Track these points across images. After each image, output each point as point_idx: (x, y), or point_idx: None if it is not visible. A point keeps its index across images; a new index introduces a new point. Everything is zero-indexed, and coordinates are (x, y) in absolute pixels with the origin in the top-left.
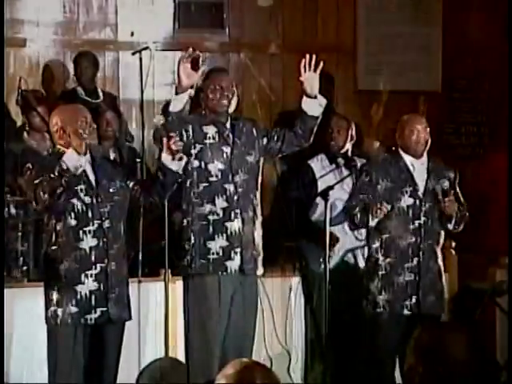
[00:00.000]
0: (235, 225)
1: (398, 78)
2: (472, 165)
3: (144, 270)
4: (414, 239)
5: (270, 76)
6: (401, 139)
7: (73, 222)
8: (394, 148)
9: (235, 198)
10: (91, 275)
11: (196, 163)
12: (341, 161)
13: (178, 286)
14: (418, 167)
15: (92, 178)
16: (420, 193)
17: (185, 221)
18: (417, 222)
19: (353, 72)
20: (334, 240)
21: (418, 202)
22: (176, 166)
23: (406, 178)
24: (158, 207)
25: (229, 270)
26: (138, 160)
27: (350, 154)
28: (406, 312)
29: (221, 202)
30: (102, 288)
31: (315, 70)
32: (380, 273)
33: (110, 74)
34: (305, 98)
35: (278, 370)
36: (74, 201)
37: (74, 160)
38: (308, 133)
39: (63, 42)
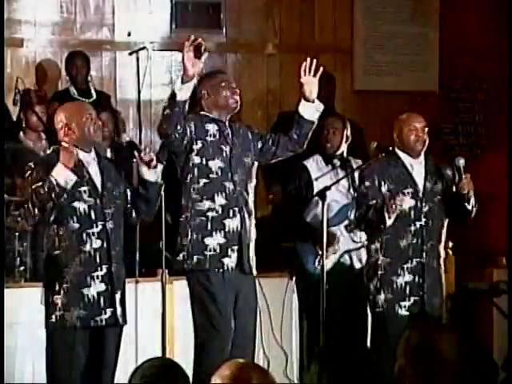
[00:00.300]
0: (233, 223)
1: (396, 78)
2: (469, 165)
3: (141, 271)
4: (415, 240)
5: (267, 76)
6: (399, 138)
7: (76, 226)
8: (391, 148)
9: (234, 196)
10: (97, 277)
11: (197, 159)
12: (337, 162)
13: (175, 287)
14: (417, 167)
15: (97, 178)
16: (420, 193)
17: (183, 216)
18: (418, 223)
19: (350, 72)
20: (333, 239)
21: (418, 202)
22: (153, 176)
23: (405, 178)
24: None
25: (225, 267)
26: (135, 160)
27: (345, 154)
28: (403, 312)
29: (220, 200)
30: (109, 289)
31: (315, 75)
32: (379, 273)
33: (107, 74)
34: (303, 101)
35: (275, 370)
36: (76, 204)
37: (65, 175)
38: (303, 138)
39: (60, 42)
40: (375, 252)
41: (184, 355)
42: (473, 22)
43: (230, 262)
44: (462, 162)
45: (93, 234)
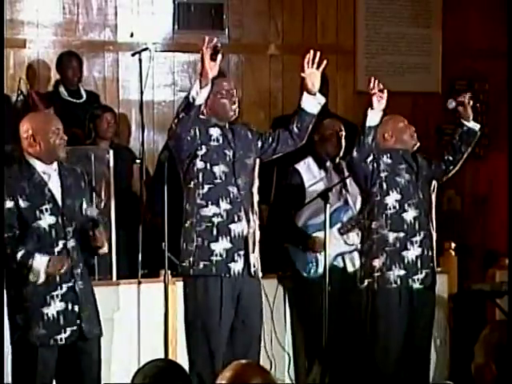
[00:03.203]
0: (239, 227)
1: (398, 79)
2: (472, 165)
3: (143, 271)
4: (418, 213)
5: (270, 77)
6: (395, 135)
7: (37, 245)
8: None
9: (238, 200)
10: (57, 296)
11: (201, 165)
12: (329, 165)
13: (177, 287)
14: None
15: (57, 195)
16: (414, 168)
17: (188, 222)
18: (416, 196)
19: (353, 73)
20: (320, 246)
21: (413, 177)
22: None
23: (400, 156)
24: None
25: (232, 273)
26: (138, 161)
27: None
28: (417, 286)
29: (224, 205)
30: (70, 307)
31: (318, 68)
32: (388, 249)
33: (109, 74)
34: (305, 94)
35: (278, 371)
36: (38, 223)
37: (43, 270)
38: (304, 131)
39: (63, 42)
40: (381, 228)
41: (187, 356)
42: (475, 23)
43: (237, 266)
44: (453, 103)
45: (52, 253)
